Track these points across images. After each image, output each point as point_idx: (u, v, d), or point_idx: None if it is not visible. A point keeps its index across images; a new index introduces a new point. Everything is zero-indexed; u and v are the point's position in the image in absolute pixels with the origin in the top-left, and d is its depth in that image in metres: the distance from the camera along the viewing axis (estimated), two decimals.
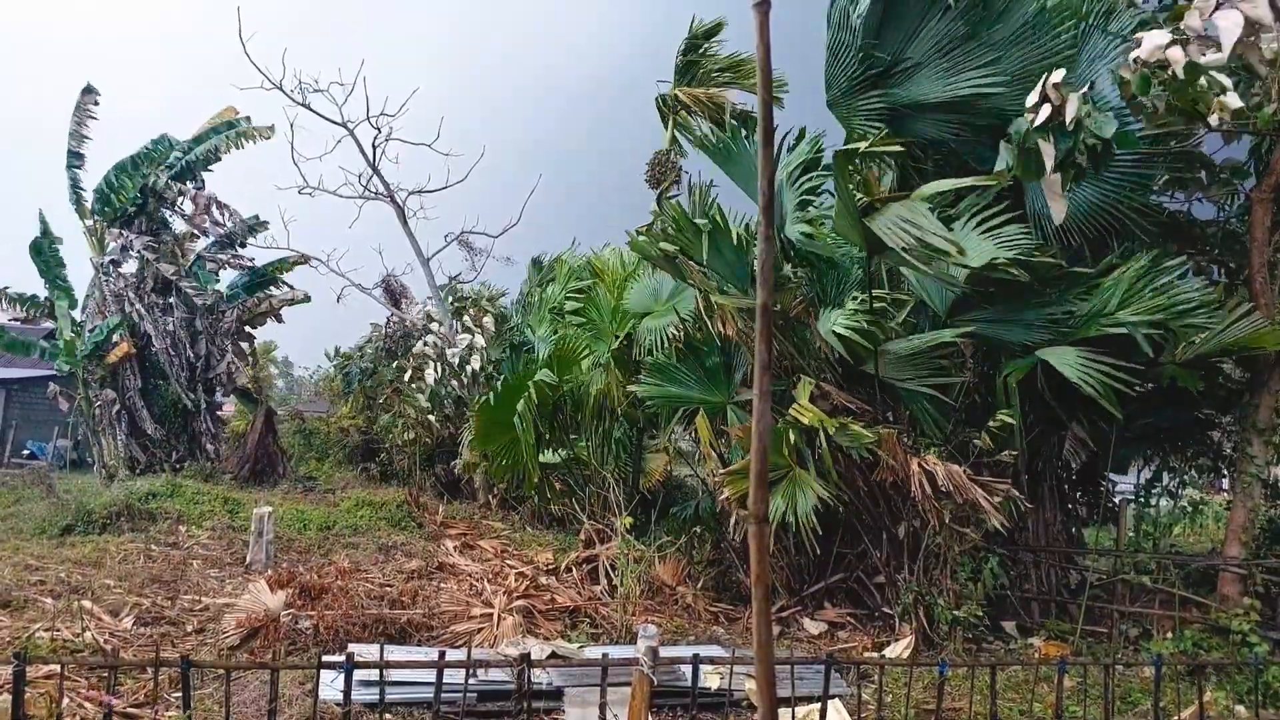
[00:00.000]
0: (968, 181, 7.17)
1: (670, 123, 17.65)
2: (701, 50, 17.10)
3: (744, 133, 9.28)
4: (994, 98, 7.57)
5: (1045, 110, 3.72)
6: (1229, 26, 3.32)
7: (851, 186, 7.23)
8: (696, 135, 9.49)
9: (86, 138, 18.08)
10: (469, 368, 16.07)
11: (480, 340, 16.16)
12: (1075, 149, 3.67)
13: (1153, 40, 3.56)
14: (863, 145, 7.39)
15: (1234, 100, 3.38)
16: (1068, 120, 3.64)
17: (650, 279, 11.16)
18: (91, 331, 17.46)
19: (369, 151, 18.69)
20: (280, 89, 18.13)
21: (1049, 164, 3.73)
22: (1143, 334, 7.14)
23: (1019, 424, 7.56)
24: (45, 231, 18.14)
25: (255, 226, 19.63)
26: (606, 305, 11.88)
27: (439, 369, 16.46)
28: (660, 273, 10.64)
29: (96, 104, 18.09)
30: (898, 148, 7.43)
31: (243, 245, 19.83)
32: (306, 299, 20.09)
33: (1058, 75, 3.79)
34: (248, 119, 18.80)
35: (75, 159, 18.06)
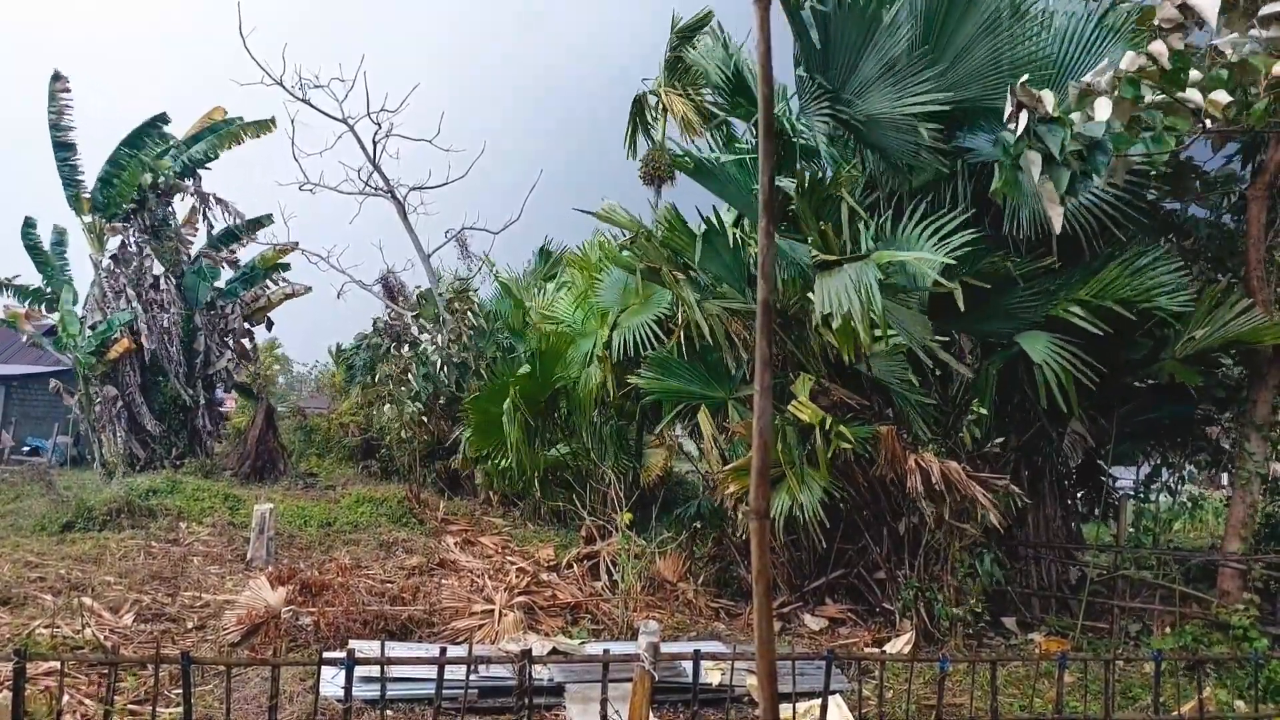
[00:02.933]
0: (928, 257, 7.10)
1: (662, 120, 17.64)
2: (689, 44, 17.08)
3: (717, 151, 9.15)
4: (942, 114, 7.49)
5: (1023, 116, 3.66)
6: (1209, 3, 3.30)
7: (809, 240, 7.33)
8: (679, 157, 9.43)
9: (69, 127, 17.87)
10: (452, 362, 16.02)
11: (458, 334, 16.07)
12: (1063, 149, 3.62)
13: (1127, 58, 3.55)
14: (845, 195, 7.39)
15: (1223, 96, 3.36)
16: (1051, 111, 3.58)
17: (615, 272, 11.03)
18: (92, 328, 17.46)
19: (369, 147, 18.69)
20: (281, 85, 18.12)
21: (1035, 171, 3.68)
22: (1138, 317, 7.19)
23: (991, 415, 7.61)
24: (32, 239, 18.23)
25: (260, 221, 19.59)
26: (586, 300, 11.91)
27: (431, 367, 16.44)
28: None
29: (68, 90, 17.79)
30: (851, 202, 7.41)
31: (243, 244, 19.83)
32: (307, 290, 20.08)
33: (1022, 79, 3.75)
34: (240, 118, 18.76)
35: (64, 150, 17.89)
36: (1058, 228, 4.01)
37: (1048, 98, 3.65)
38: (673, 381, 9.31)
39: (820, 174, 8.53)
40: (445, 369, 16.27)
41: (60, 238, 18.58)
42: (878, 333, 7.25)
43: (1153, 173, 7.70)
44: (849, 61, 7.74)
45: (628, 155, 17.78)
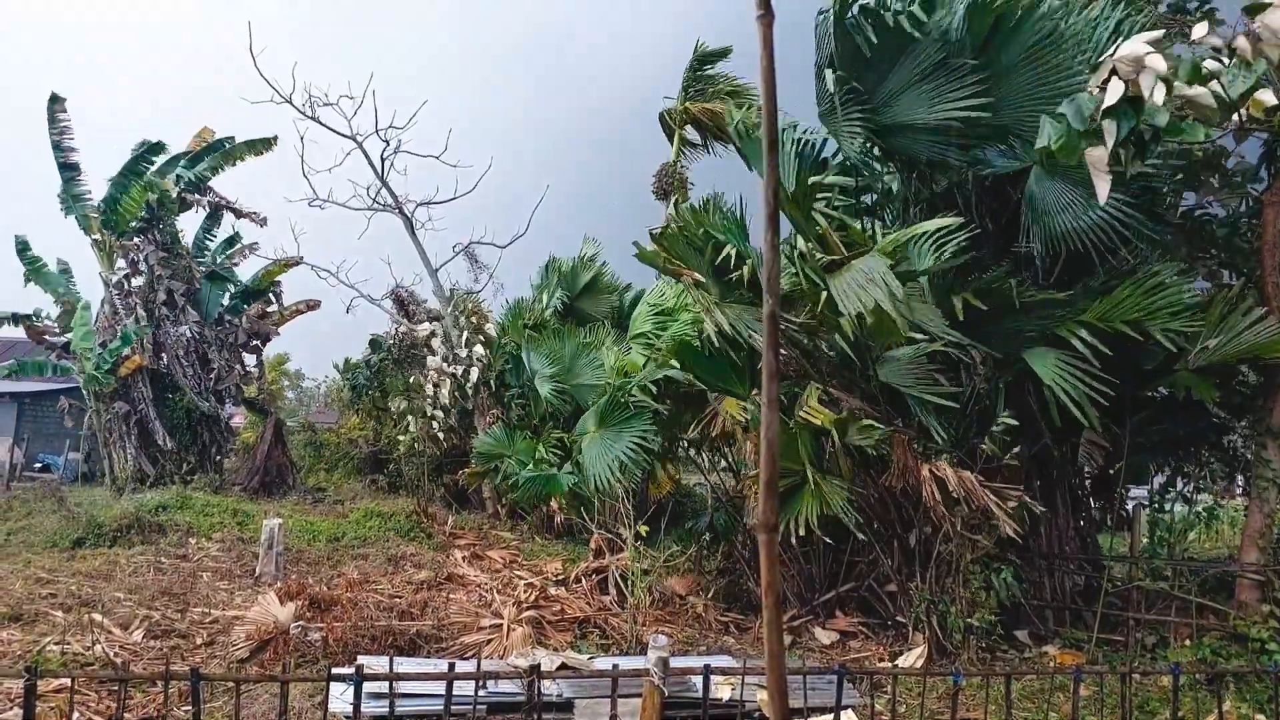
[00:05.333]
0: (931, 224, 7.18)
1: (676, 136, 17.72)
2: (706, 71, 17.31)
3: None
4: (980, 121, 7.50)
5: (1116, 89, 3.60)
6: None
7: (810, 244, 7.36)
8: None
9: (72, 148, 18.14)
10: (471, 377, 16.07)
11: (480, 350, 16.16)
12: (1134, 130, 3.58)
13: (1201, 30, 3.54)
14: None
15: (1270, 97, 3.35)
16: (1148, 95, 3.53)
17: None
18: (103, 345, 17.57)
19: (378, 164, 18.81)
20: (290, 102, 18.26)
21: (1111, 141, 3.63)
22: (1159, 336, 7.12)
23: (1010, 424, 7.56)
24: (25, 251, 18.39)
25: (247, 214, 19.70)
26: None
27: (449, 382, 16.48)
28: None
29: (65, 112, 18.06)
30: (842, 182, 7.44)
31: (245, 257, 20.00)
32: (316, 305, 20.20)
33: (1134, 47, 3.65)
34: (231, 137, 18.96)
35: (68, 170, 18.11)
36: (1104, 198, 3.95)
37: (1145, 80, 3.60)
38: (700, 370, 9.33)
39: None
40: (463, 382, 16.30)
41: (66, 266, 18.80)
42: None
43: (1178, 163, 7.69)
44: (886, 70, 7.80)
45: (678, 167, 18.00)
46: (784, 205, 7.65)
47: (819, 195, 8.14)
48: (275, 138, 18.91)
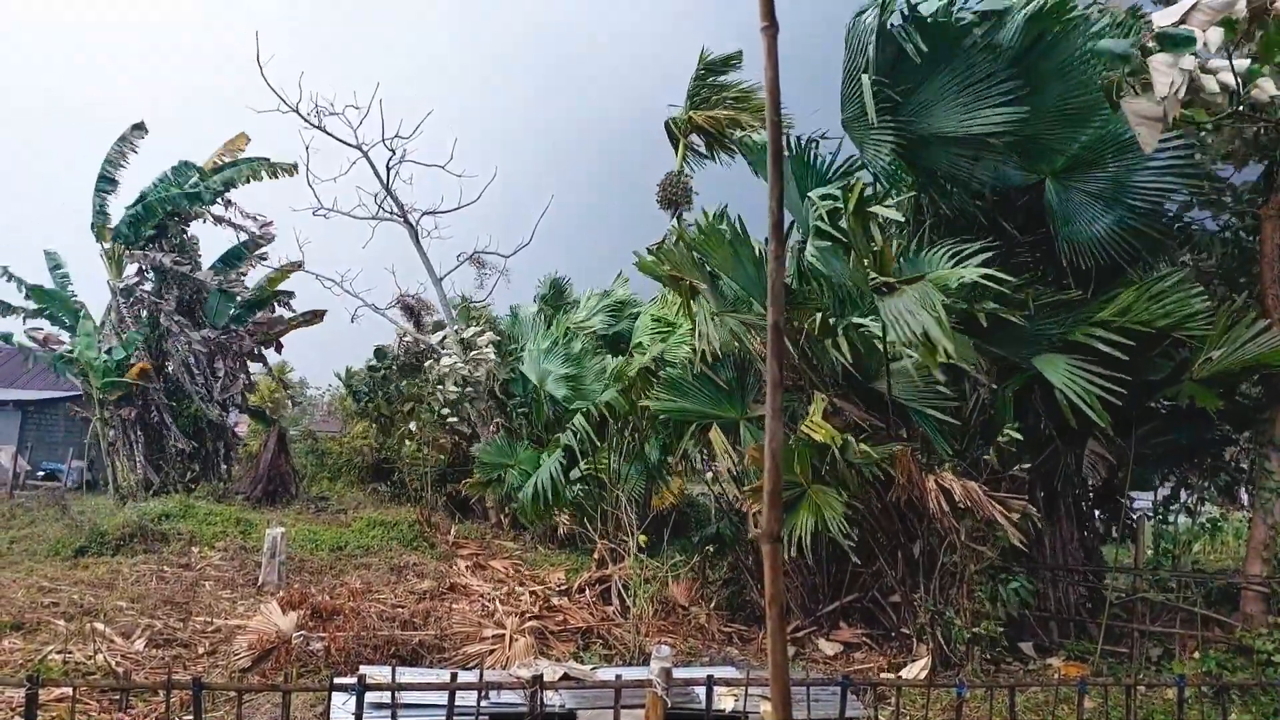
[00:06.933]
0: (978, 273, 7.20)
1: (681, 145, 17.76)
2: (713, 80, 17.32)
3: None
4: (1012, 133, 7.51)
5: (1214, 34, 3.61)
6: None
7: (866, 262, 7.31)
8: (740, 140, 9.38)
9: (122, 166, 18.60)
10: (488, 357, 15.99)
11: (491, 352, 16.10)
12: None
13: None
14: (882, 208, 7.47)
15: (1270, 86, 3.41)
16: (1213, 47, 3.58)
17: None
18: (108, 353, 17.60)
19: (383, 173, 18.88)
20: (297, 111, 18.35)
21: (1163, 87, 3.65)
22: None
23: (1015, 438, 7.55)
24: (57, 265, 18.56)
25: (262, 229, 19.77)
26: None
27: (458, 384, 16.44)
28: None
29: (142, 138, 18.60)
30: (893, 215, 7.47)
31: (252, 266, 20.07)
32: (321, 316, 20.23)
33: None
34: (266, 159, 19.07)
35: (106, 184, 18.49)
36: (1151, 146, 3.96)
37: (1214, 35, 3.67)
38: (686, 402, 9.29)
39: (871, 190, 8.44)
40: (470, 388, 16.29)
41: (59, 264, 18.94)
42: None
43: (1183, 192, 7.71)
44: (924, 77, 7.74)
45: (683, 176, 17.99)
46: (845, 218, 7.51)
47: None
48: (295, 165, 18.94)
